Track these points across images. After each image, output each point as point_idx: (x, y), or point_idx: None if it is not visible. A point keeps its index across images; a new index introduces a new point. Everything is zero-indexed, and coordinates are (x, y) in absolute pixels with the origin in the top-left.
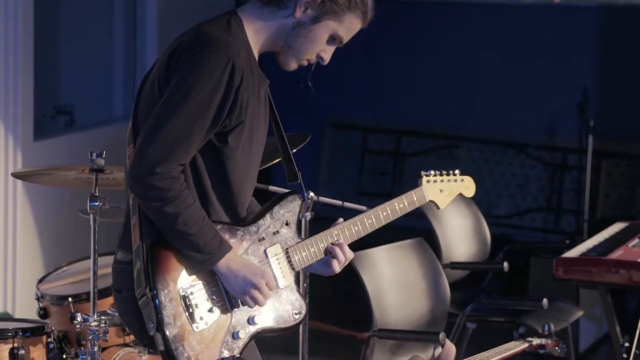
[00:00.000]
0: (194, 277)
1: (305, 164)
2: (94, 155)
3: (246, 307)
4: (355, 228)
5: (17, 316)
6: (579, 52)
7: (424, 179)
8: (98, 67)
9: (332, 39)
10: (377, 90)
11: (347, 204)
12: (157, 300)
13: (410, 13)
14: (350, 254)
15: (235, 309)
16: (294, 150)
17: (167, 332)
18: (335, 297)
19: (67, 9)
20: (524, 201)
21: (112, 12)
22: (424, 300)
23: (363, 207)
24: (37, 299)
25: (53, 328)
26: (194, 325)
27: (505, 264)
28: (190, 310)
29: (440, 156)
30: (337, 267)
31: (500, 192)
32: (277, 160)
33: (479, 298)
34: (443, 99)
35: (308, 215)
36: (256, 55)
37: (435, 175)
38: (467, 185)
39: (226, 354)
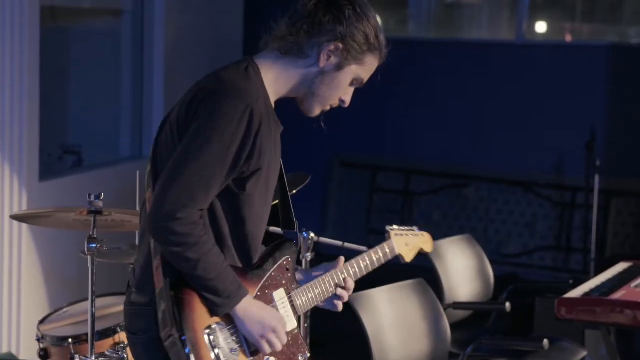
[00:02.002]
0: (216, 318)
1: (313, 203)
2: (92, 197)
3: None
4: (342, 276)
5: (21, 357)
6: (587, 91)
7: (392, 232)
8: (105, 107)
9: (354, 81)
10: (386, 129)
11: (348, 245)
12: (186, 342)
13: (419, 53)
14: (351, 288)
15: (253, 351)
16: (294, 192)
17: None
18: (337, 335)
19: (75, 50)
20: (532, 240)
21: (120, 53)
22: (425, 341)
23: (364, 248)
24: (38, 340)
25: None
26: None
27: (508, 305)
28: (215, 351)
29: (448, 195)
30: (340, 307)
31: (509, 230)
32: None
33: (480, 339)
34: (452, 138)
35: (309, 255)
36: (272, 101)
37: (399, 228)
38: (426, 241)
39: None
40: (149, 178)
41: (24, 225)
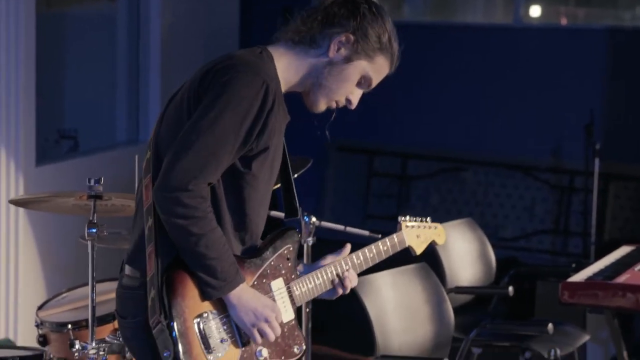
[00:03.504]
0: (208, 305)
1: (310, 188)
2: (92, 181)
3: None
4: (347, 266)
5: (19, 343)
6: (586, 74)
7: (403, 224)
8: (101, 92)
9: (362, 81)
10: (383, 113)
11: (350, 229)
12: (173, 329)
13: (416, 37)
14: (354, 281)
15: (245, 341)
16: (295, 176)
17: None
18: (339, 320)
19: (71, 35)
20: (531, 223)
21: (116, 38)
22: (428, 326)
23: (365, 232)
24: (37, 326)
25: (52, 355)
26: (209, 357)
27: (510, 289)
28: (205, 340)
29: (446, 179)
30: (339, 294)
31: (507, 214)
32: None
33: (484, 323)
34: (449, 122)
35: (310, 240)
36: (283, 90)
37: (412, 220)
38: (439, 234)
39: None
40: (147, 164)
41: (22, 210)
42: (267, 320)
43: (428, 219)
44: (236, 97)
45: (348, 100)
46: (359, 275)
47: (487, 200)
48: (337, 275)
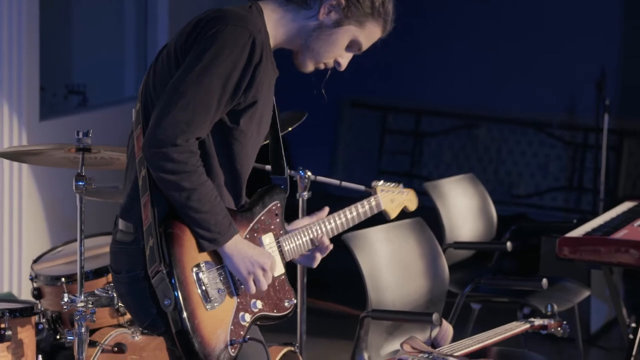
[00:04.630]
0: (204, 255)
1: (323, 144)
2: (81, 134)
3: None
4: (330, 226)
5: (22, 297)
6: (599, 30)
7: (378, 187)
8: (110, 47)
9: (352, 45)
10: (397, 69)
11: (345, 183)
12: (173, 277)
13: None
14: (329, 247)
15: (240, 292)
16: (290, 129)
17: (184, 309)
18: (334, 275)
19: None
20: (544, 180)
21: None
22: (422, 281)
23: (361, 187)
24: (31, 279)
25: (43, 309)
26: (207, 306)
27: (509, 244)
28: (203, 289)
29: (459, 136)
30: (318, 261)
31: (521, 171)
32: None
33: (478, 278)
34: (463, 79)
35: (305, 194)
36: (272, 46)
37: (384, 184)
38: (410, 199)
39: (234, 336)
40: (137, 116)
41: (24, 165)
42: (262, 268)
43: (400, 184)
44: (224, 49)
45: (337, 63)
46: (340, 235)
47: (500, 157)
48: (315, 237)
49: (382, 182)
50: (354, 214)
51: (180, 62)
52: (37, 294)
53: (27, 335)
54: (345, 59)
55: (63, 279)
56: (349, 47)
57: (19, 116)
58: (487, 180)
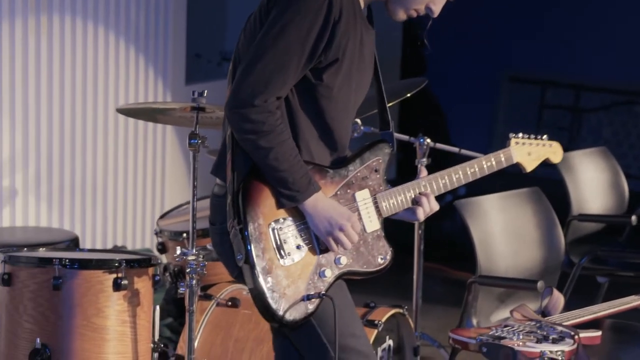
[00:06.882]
0: (283, 213)
1: (481, 118)
2: (196, 94)
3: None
4: (443, 181)
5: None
6: None
7: (513, 140)
8: None
9: None
10: (557, 43)
11: (464, 151)
12: (246, 233)
13: None
14: (435, 206)
15: (322, 248)
16: (409, 95)
17: (256, 264)
18: (448, 239)
19: None
20: None
21: None
22: (536, 250)
23: (480, 155)
24: (156, 234)
25: (160, 261)
26: (282, 261)
27: (634, 218)
28: (279, 244)
29: (619, 112)
30: (422, 216)
31: None
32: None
33: (597, 250)
34: (624, 54)
35: (424, 161)
36: (362, 4)
37: (524, 137)
38: (555, 151)
39: (312, 291)
40: (230, 76)
41: (168, 127)
42: (342, 229)
43: (545, 136)
44: (300, 11)
45: (429, 9)
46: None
47: None
48: (418, 194)
49: (521, 134)
50: (475, 169)
51: (264, 24)
52: (162, 248)
53: (143, 285)
54: (437, 5)
55: (184, 234)
56: None
57: (164, 80)
58: None
